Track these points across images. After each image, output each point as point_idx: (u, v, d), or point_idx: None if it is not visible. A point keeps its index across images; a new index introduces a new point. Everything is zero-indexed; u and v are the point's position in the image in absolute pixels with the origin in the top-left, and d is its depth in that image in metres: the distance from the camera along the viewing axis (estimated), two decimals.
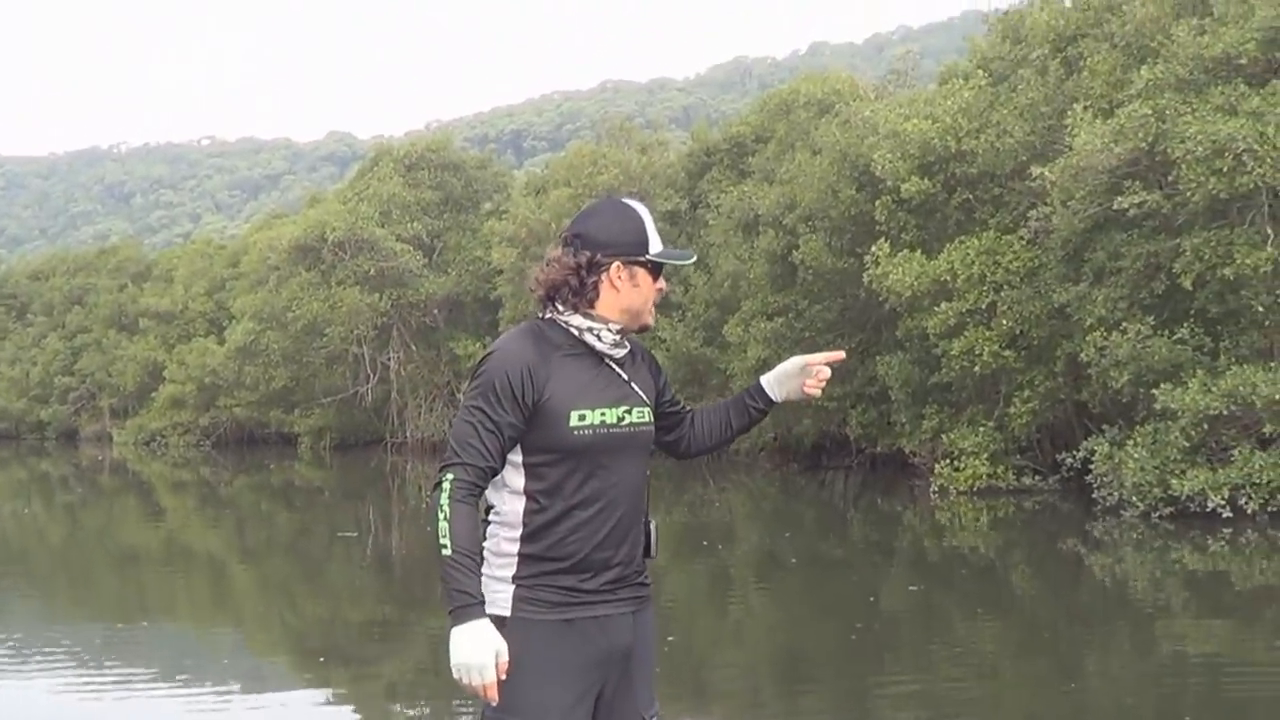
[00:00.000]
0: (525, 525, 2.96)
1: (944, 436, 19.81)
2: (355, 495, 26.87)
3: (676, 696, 7.37)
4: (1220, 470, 15.17)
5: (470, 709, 7.06)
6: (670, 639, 9.05)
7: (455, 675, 2.84)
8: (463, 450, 2.90)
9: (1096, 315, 16.80)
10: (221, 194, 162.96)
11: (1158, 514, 15.40)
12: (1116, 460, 16.22)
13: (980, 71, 20.94)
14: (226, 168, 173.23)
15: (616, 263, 3.02)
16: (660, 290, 3.10)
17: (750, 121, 30.69)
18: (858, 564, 14.39)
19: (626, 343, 3.09)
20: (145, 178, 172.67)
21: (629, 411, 3.03)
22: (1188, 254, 15.74)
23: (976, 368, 18.62)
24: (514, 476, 2.99)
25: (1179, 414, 15.32)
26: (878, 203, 20.71)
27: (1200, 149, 15.03)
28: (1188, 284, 15.83)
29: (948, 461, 19.31)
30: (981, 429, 19.23)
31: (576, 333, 3.02)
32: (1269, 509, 14.85)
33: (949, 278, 18.96)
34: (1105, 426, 17.68)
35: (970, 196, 20.31)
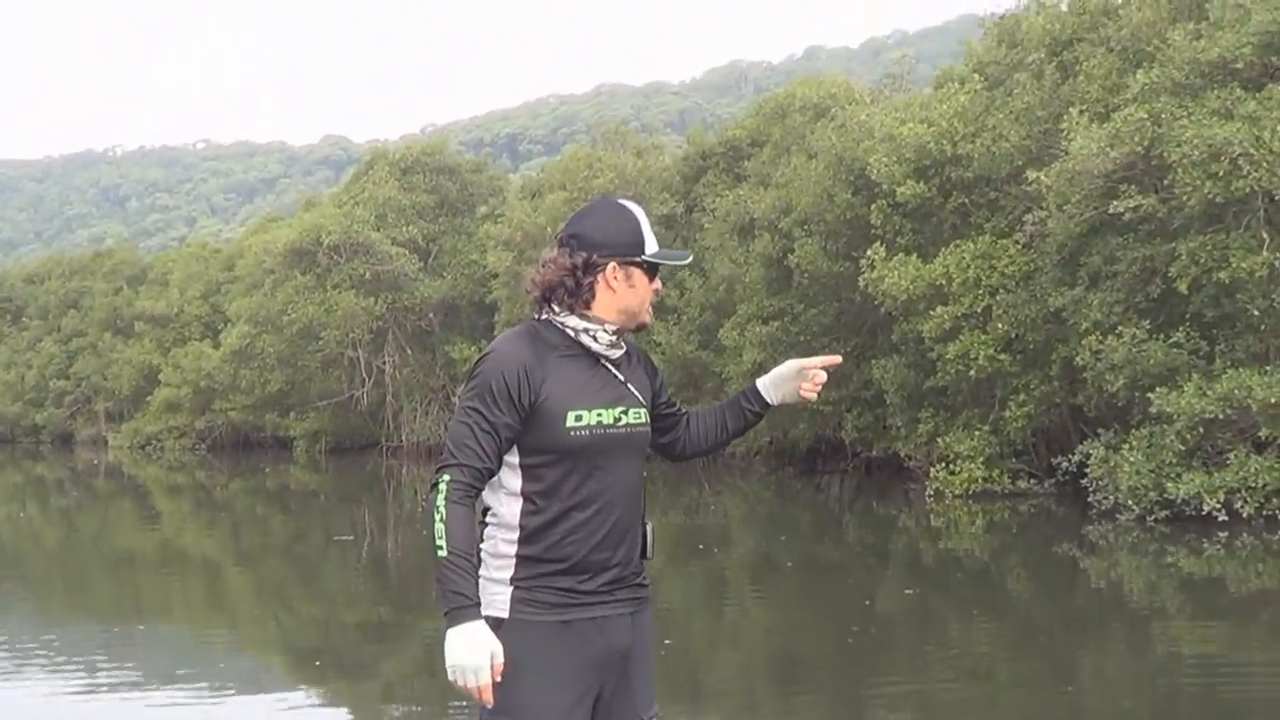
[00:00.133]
0: (522, 527, 2.96)
1: (939, 440, 19.82)
2: (351, 499, 26.83)
3: (673, 699, 7.36)
4: (1216, 474, 15.19)
5: (466, 711, 7.05)
6: (667, 642, 9.05)
7: (450, 677, 2.82)
8: (459, 451, 2.89)
9: (1092, 319, 16.82)
10: (217, 197, 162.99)
11: (1153, 517, 15.41)
12: (1112, 464, 16.22)
13: (976, 76, 20.94)
14: (222, 171, 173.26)
15: (612, 263, 3.01)
16: (657, 291, 3.09)
17: (746, 125, 30.71)
18: (853, 567, 14.39)
19: (623, 344, 3.08)
20: (140, 181, 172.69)
21: (625, 412, 3.02)
22: (1183, 258, 15.76)
23: (972, 371, 18.64)
24: (511, 478, 2.98)
25: (1174, 418, 15.32)
26: (873, 206, 20.71)
27: (1196, 153, 15.05)
28: (1183, 288, 15.84)
29: (943, 465, 19.32)
30: (977, 433, 19.24)
31: (572, 334, 3.01)
32: (1264, 512, 14.86)
33: (944, 282, 18.96)
34: (1101, 430, 17.70)
35: (966, 200, 20.32)
